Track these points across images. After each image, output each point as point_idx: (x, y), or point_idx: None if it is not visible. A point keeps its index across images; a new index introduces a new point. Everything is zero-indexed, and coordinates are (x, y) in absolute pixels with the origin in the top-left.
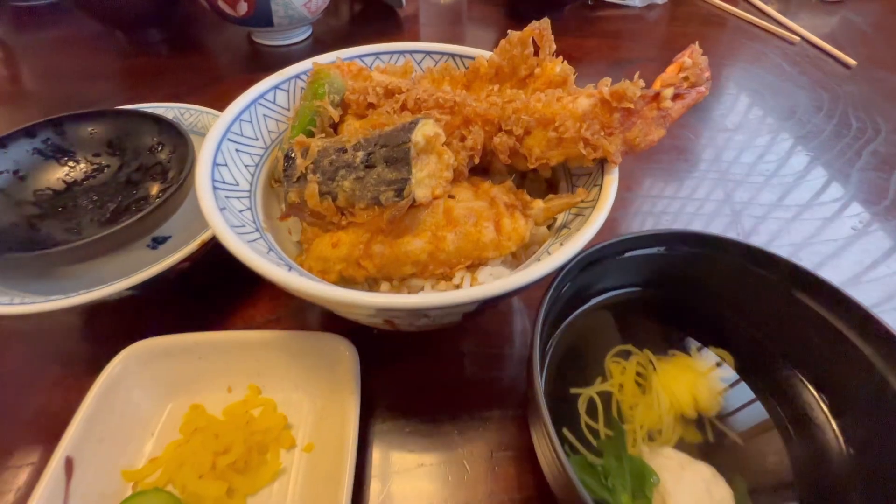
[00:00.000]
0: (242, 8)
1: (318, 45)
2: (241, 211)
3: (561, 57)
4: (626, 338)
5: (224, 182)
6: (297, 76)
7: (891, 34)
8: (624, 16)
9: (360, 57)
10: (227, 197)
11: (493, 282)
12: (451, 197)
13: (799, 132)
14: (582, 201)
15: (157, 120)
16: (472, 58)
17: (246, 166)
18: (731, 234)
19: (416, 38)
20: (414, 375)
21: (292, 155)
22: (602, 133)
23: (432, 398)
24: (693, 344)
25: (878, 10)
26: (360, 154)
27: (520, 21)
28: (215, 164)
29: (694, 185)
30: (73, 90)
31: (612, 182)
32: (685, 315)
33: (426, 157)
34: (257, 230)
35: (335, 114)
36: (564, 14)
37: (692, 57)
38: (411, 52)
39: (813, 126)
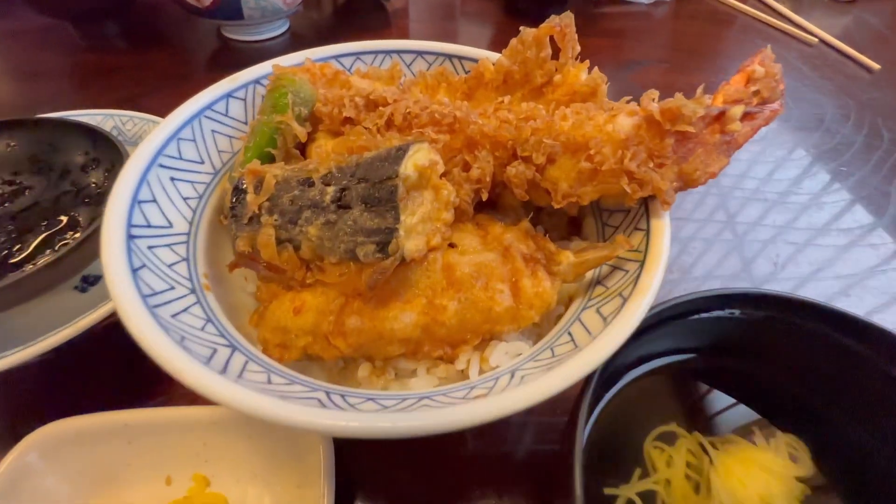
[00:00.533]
0: None
1: (297, 41)
2: (171, 265)
3: (587, 62)
4: (671, 415)
5: (150, 225)
6: (256, 81)
7: None
8: (628, 13)
9: (335, 58)
10: (151, 247)
11: (517, 390)
12: (451, 246)
13: (827, 143)
14: (626, 252)
15: (91, 132)
16: (474, 60)
17: (185, 199)
18: (764, 263)
19: (405, 36)
20: (402, 453)
21: (242, 187)
22: (651, 164)
23: (426, 484)
24: (758, 427)
25: (891, 9)
26: (332, 189)
27: (518, 18)
28: (136, 203)
29: (715, 203)
30: (10, 91)
31: (662, 230)
32: (748, 389)
33: (419, 194)
34: (193, 290)
35: (301, 132)
36: (562, 13)
37: (764, 65)
38: (399, 51)
39: (842, 137)
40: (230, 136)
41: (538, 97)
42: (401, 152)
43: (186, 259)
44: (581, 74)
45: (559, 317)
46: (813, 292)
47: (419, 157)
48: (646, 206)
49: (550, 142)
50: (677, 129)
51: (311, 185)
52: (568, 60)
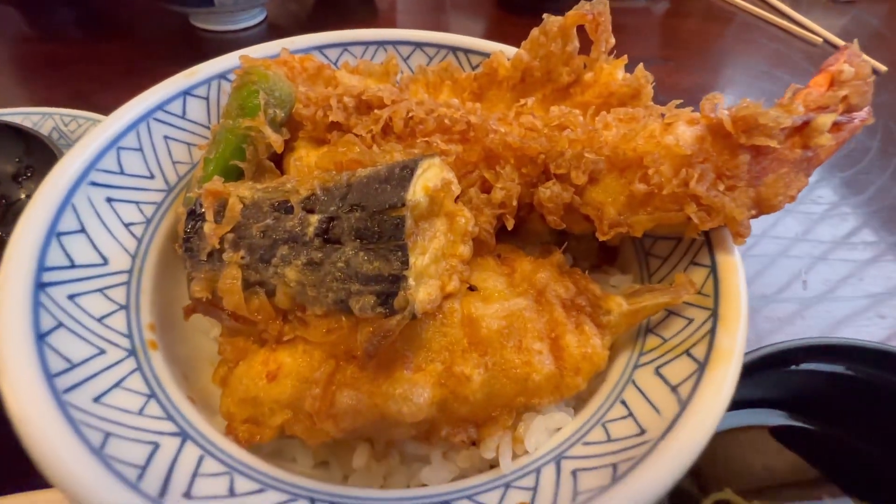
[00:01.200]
0: None
1: (275, 31)
2: (102, 318)
3: (625, 57)
4: (732, 477)
5: (73, 265)
6: (221, 76)
7: None
8: (627, 10)
9: (319, 49)
10: (73, 297)
11: None
12: (471, 289)
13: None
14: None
15: (24, 135)
16: (485, 54)
17: (128, 226)
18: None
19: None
20: None
21: (200, 212)
22: (720, 186)
23: None
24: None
25: (888, 10)
26: (316, 219)
27: (511, 12)
28: (54, 237)
29: None
30: None
31: (734, 270)
32: (835, 462)
33: (429, 225)
34: (132, 352)
35: (277, 140)
36: (561, 6)
37: (853, 63)
38: (395, 42)
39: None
40: (189, 144)
41: (563, 99)
42: (407, 171)
43: (126, 307)
44: (617, 72)
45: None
46: (844, 310)
47: (430, 177)
48: (706, 236)
49: (593, 156)
50: (754, 143)
51: (290, 211)
52: (601, 55)
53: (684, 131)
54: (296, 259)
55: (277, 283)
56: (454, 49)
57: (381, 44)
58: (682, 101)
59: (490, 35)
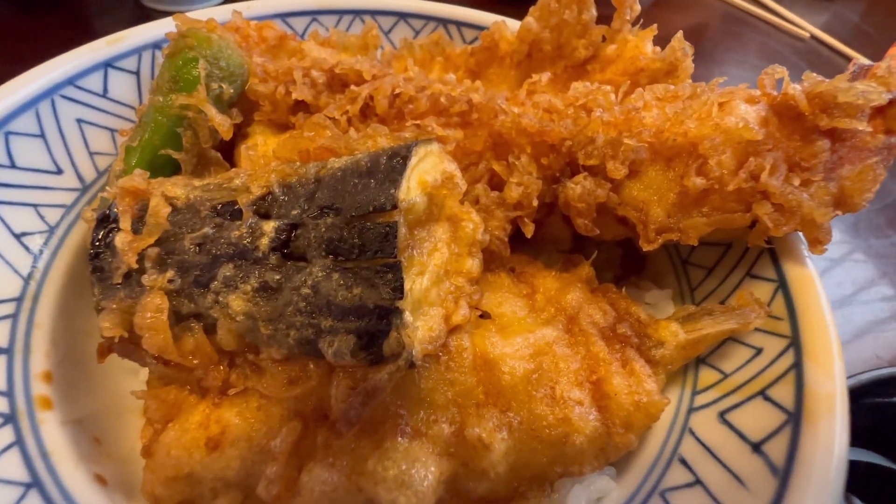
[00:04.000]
0: None
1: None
2: None
3: (654, 27)
4: None
5: None
6: (157, 45)
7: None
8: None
9: (282, 17)
10: None
11: None
12: (483, 317)
13: None
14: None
15: None
16: (482, 27)
17: (20, 237)
18: None
19: None
20: None
21: (112, 218)
22: (797, 179)
23: None
24: None
25: (866, 5)
26: (271, 227)
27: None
28: None
29: None
30: None
31: (812, 287)
32: None
33: (426, 233)
34: (10, 418)
35: (223, 122)
36: None
37: None
38: (375, 12)
39: None
40: (113, 130)
41: (580, 77)
42: (398, 161)
43: (8, 350)
44: (646, 45)
45: None
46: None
47: (427, 169)
48: (768, 241)
49: (634, 143)
50: (834, 126)
51: (237, 216)
52: (624, 25)
53: (743, 109)
54: (244, 283)
55: (219, 316)
56: (445, 21)
57: (357, 13)
58: (726, 78)
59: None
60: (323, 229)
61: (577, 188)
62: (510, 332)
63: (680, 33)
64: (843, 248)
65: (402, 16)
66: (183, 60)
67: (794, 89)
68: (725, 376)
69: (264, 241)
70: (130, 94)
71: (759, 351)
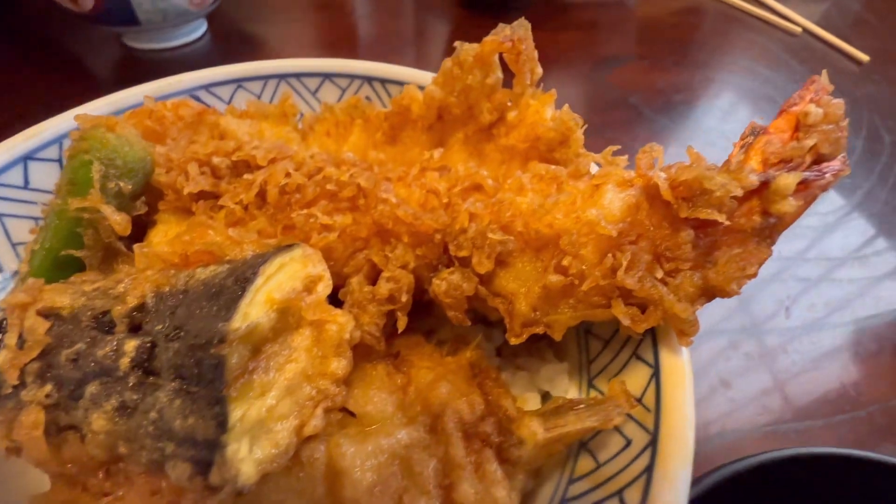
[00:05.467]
0: (86, 1)
1: (220, 46)
2: None
3: (553, 92)
4: None
5: None
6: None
7: None
8: (600, 3)
9: (206, 88)
10: None
11: None
12: (348, 413)
13: None
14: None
15: None
16: (405, 83)
17: None
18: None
19: (350, 34)
20: None
21: (3, 329)
22: (659, 271)
23: None
24: None
25: None
26: (133, 345)
27: (475, 13)
28: None
29: None
30: None
31: (681, 377)
32: None
33: (281, 346)
34: None
35: (121, 221)
36: (533, 3)
37: (821, 103)
38: (299, 74)
39: None
40: (37, 218)
41: (487, 141)
42: (238, 286)
43: None
44: (545, 110)
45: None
46: (830, 341)
47: (283, 281)
48: (652, 331)
49: (499, 236)
50: (701, 217)
51: (109, 329)
52: (526, 89)
53: (612, 200)
54: (106, 401)
55: (86, 432)
56: (369, 79)
57: (282, 77)
58: (619, 147)
59: (455, 36)
60: (171, 353)
61: (443, 284)
62: (368, 435)
63: (566, 107)
64: None
65: (327, 76)
66: (79, 163)
67: (658, 176)
68: (598, 466)
69: (125, 361)
70: (54, 181)
71: (628, 443)
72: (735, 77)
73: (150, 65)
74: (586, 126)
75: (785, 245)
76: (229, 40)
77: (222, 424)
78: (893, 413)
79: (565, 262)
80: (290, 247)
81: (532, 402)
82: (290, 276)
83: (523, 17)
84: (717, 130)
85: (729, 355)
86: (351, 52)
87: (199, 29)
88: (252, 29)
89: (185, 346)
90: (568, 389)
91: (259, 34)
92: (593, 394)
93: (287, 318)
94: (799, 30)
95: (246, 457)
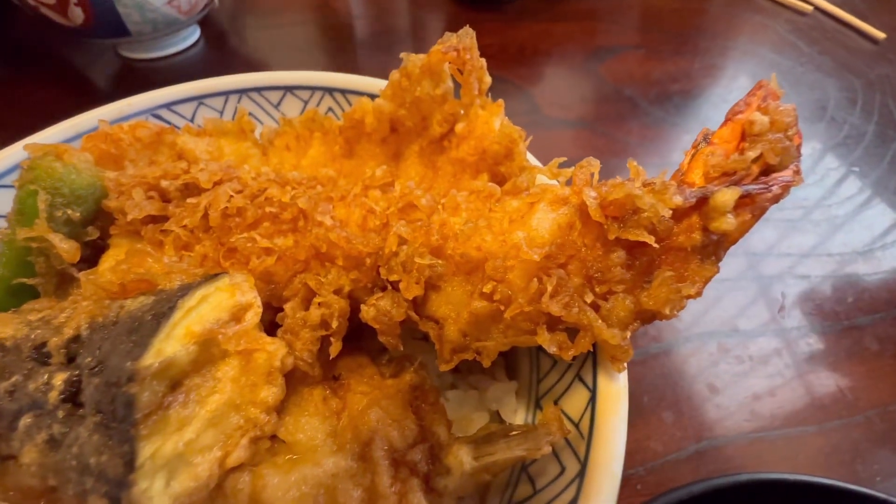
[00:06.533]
0: (77, 15)
1: (214, 52)
2: None
3: (501, 102)
4: None
5: None
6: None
7: None
8: None
9: (168, 106)
10: None
11: None
12: (276, 439)
13: (834, 137)
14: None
15: None
16: (366, 93)
17: None
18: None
19: (345, 34)
20: None
21: None
22: (590, 294)
23: None
24: None
25: None
26: (61, 378)
27: (470, 8)
28: None
29: None
30: None
31: (615, 403)
32: None
33: (204, 378)
34: None
35: (69, 249)
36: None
37: (767, 110)
38: (260, 88)
39: (851, 128)
40: None
41: (440, 153)
42: (153, 322)
43: None
44: (494, 121)
45: None
46: (826, 342)
47: (206, 312)
48: (592, 357)
49: (427, 260)
50: (630, 238)
51: (46, 360)
52: (474, 100)
53: (542, 220)
54: (38, 433)
55: (21, 464)
56: (330, 90)
57: (243, 92)
58: (565, 159)
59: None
60: (92, 388)
61: (371, 310)
62: (295, 464)
63: (506, 120)
64: None
65: (288, 88)
66: (25, 193)
67: (588, 195)
68: (535, 493)
69: (54, 395)
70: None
71: (562, 470)
72: (736, 63)
73: (147, 73)
74: (580, 119)
75: (791, 240)
76: (223, 45)
77: (129, 464)
78: (893, 418)
79: (488, 289)
80: (216, 276)
81: (479, 422)
82: (213, 306)
83: (468, 26)
84: (714, 121)
85: (717, 359)
86: (346, 53)
87: (193, 36)
88: (245, 33)
89: (104, 382)
90: (517, 409)
91: (252, 38)
92: (539, 414)
93: (210, 350)
94: (810, 8)
95: (160, 492)
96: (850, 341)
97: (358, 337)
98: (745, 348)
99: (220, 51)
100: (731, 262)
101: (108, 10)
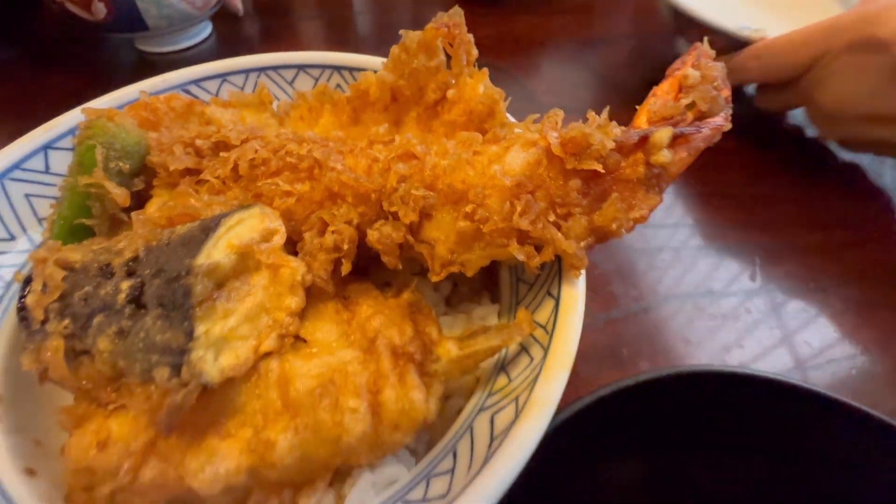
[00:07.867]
0: (100, 10)
1: (225, 46)
2: None
3: (486, 70)
4: None
5: None
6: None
7: None
8: None
9: (197, 83)
10: None
11: None
12: (298, 338)
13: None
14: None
15: None
16: (371, 69)
17: None
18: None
19: (349, 28)
20: None
21: (32, 279)
22: (552, 216)
23: None
24: None
25: None
26: (127, 285)
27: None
28: None
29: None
30: None
31: (573, 305)
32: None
33: (241, 283)
34: None
35: (121, 194)
36: None
37: (699, 66)
38: (277, 67)
39: None
40: (56, 198)
41: (435, 118)
42: (203, 234)
43: None
44: (479, 86)
45: (460, 410)
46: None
47: (241, 232)
48: (559, 263)
49: (421, 192)
50: (584, 168)
51: (110, 275)
52: (463, 70)
53: (514, 158)
54: (108, 328)
55: (95, 353)
56: (338, 68)
57: (261, 70)
58: (539, 115)
59: None
60: (154, 288)
61: (376, 233)
62: (315, 355)
63: (487, 82)
64: None
65: (301, 67)
66: (85, 148)
67: (551, 135)
68: (510, 381)
69: (121, 297)
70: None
71: (532, 360)
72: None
73: (162, 66)
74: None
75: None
76: (233, 39)
77: (189, 334)
78: (844, 367)
79: (469, 209)
80: (249, 206)
81: None
82: (248, 228)
83: (457, 6)
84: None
85: (692, 317)
86: (350, 46)
87: (205, 31)
88: (254, 28)
89: (164, 281)
90: None
91: (261, 32)
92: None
93: (246, 262)
94: None
95: (210, 362)
96: (817, 301)
97: (364, 274)
98: (719, 307)
99: (230, 45)
100: (709, 231)
101: (128, 6)
